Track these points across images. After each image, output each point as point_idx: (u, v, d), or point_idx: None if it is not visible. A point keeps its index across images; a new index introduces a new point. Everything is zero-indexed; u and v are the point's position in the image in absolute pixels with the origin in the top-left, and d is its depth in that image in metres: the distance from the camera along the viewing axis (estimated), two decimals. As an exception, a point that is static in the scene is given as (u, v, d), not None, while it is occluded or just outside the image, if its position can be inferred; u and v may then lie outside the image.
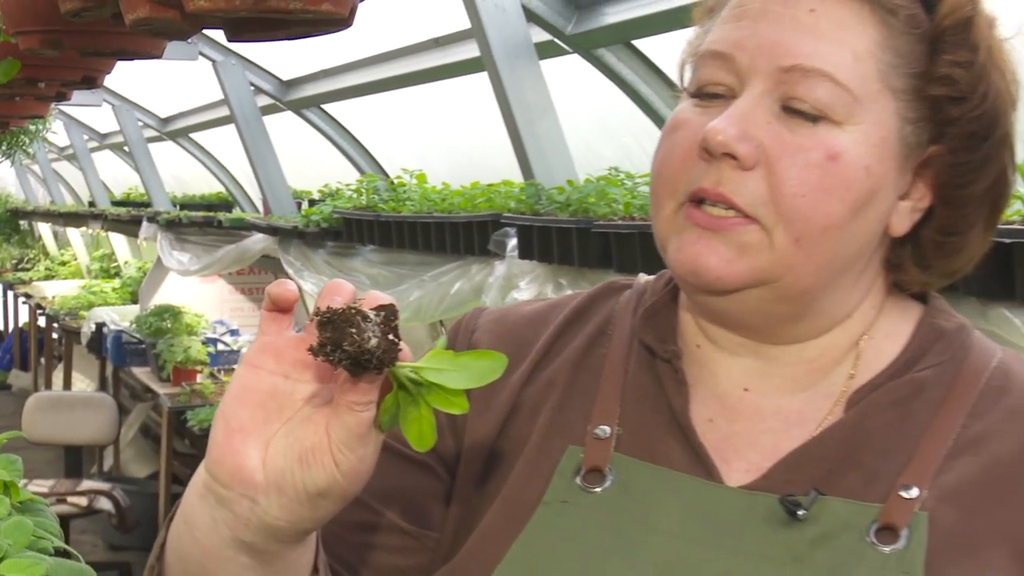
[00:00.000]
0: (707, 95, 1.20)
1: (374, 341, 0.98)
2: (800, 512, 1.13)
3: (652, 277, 1.38)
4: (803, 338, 1.24)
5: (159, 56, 2.78)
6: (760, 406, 1.25)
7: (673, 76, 1.41)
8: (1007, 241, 2.43)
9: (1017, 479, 1.15)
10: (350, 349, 0.97)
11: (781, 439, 1.22)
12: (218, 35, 2.20)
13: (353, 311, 0.98)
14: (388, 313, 1.00)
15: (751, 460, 1.21)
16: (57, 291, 13.86)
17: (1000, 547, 1.12)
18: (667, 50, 4.13)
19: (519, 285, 4.04)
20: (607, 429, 1.25)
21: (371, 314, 0.99)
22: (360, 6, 1.95)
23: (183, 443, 8.39)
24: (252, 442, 1.05)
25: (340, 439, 1.02)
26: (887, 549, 1.11)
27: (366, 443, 1.04)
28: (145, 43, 2.56)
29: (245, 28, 1.88)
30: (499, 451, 1.30)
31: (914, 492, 1.13)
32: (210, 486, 1.07)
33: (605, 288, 1.41)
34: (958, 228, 1.23)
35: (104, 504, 8.03)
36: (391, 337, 0.99)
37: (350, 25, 1.86)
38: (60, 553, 1.16)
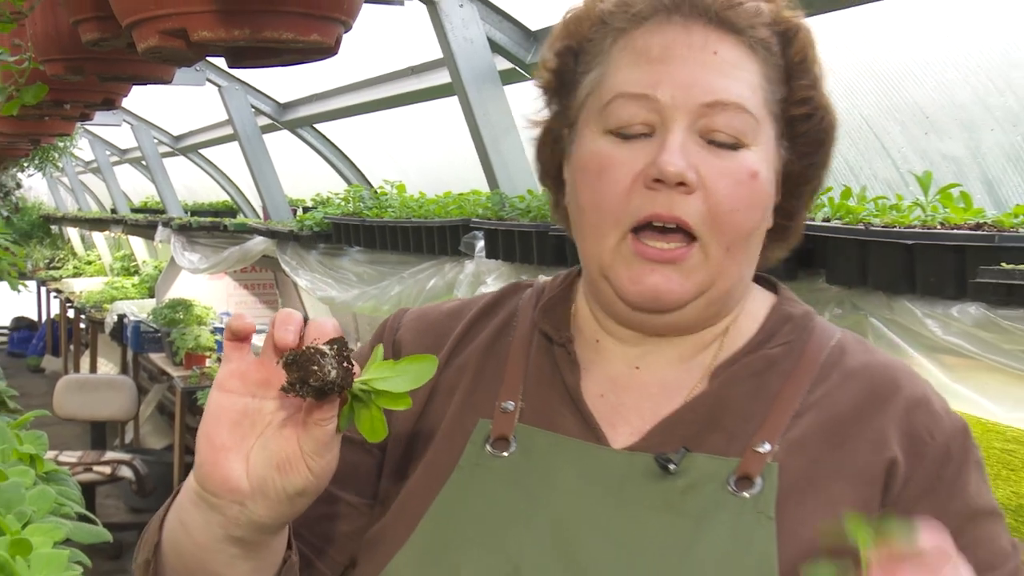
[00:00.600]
0: (627, 133, 1.22)
1: (333, 373, 1.05)
2: (671, 467, 1.20)
3: (549, 279, 1.43)
4: (703, 328, 1.31)
5: (169, 81, 2.76)
6: (646, 381, 1.30)
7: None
8: (909, 243, 2.44)
9: (849, 430, 1.24)
10: (315, 384, 1.04)
11: (660, 407, 1.27)
12: (222, 63, 2.19)
13: (312, 351, 1.05)
14: (340, 345, 1.06)
15: (634, 425, 1.27)
16: (84, 287, 13.77)
17: (842, 482, 1.21)
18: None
19: (486, 281, 4.06)
20: (512, 404, 1.30)
21: (326, 349, 1.05)
22: (345, 37, 1.95)
23: (194, 419, 8.35)
24: (234, 457, 1.11)
25: (311, 449, 1.10)
26: (745, 494, 1.19)
27: (332, 448, 1.12)
28: (156, 69, 2.55)
29: (244, 56, 1.87)
30: (421, 427, 1.34)
31: (766, 447, 1.21)
32: (202, 495, 1.13)
33: (510, 288, 1.46)
34: (795, 216, 1.34)
35: (125, 472, 8.01)
36: (346, 365, 1.06)
37: (335, 54, 1.86)
38: (82, 518, 1.15)
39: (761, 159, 1.23)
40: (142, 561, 1.25)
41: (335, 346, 1.06)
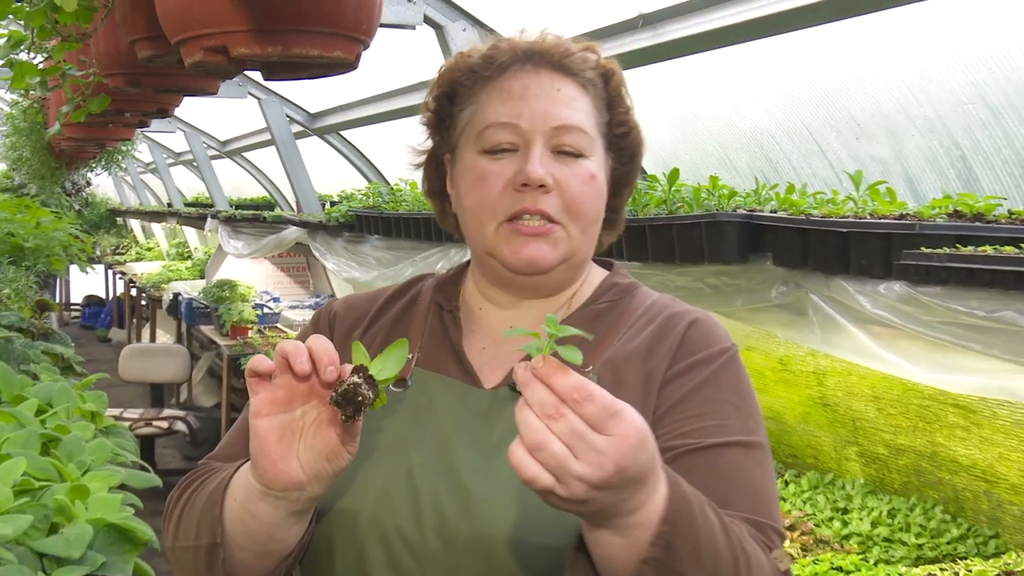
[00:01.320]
0: (498, 151, 1.40)
1: (371, 395, 1.19)
2: None
3: (446, 270, 1.62)
4: (560, 291, 1.50)
5: (215, 93, 2.74)
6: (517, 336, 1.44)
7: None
8: (843, 231, 2.43)
9: (644, 348, 1.43)
10: (362, 411, 1.20)
11: (521, 353, 1.36)
12: (260, 78, 2.18)
13: (351, 387, 1.18)
14: (364, 373, 1.20)
15: (504, 368, 1.45)
16: (144, 270, 13.73)
17: (639, 385, 1.40)
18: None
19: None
20: (411, 355, 1.46)
21: (357, 379, 1.19)
22: (366, 57, 1.93)
23: (239, 381, 8.35)
24: (290, 461, 1.23)
25: (347, 439, 1.24)
26: None
27: (358, 434, 1.26)
28: (203, 82, 2.53)
29: (276, 70, 1.86)
30: None
31: (589, 368, 1.39)
32: (268, 493, 1.26)
33: (417, 277, 1.64)
34: (619, 210, 1.55)
35: (180, 426, 8.01)
36: (373, 384, 1.20)
37: (355, 68, 1.84)
38: (136, 466, 1.13)
39: (597, 166, 1.43)
40: (207, 544, 1.32)
41: (360, 374, 1.20)
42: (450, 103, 1.48)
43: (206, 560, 1.32)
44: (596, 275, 1.55)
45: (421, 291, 1.59)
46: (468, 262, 1.58)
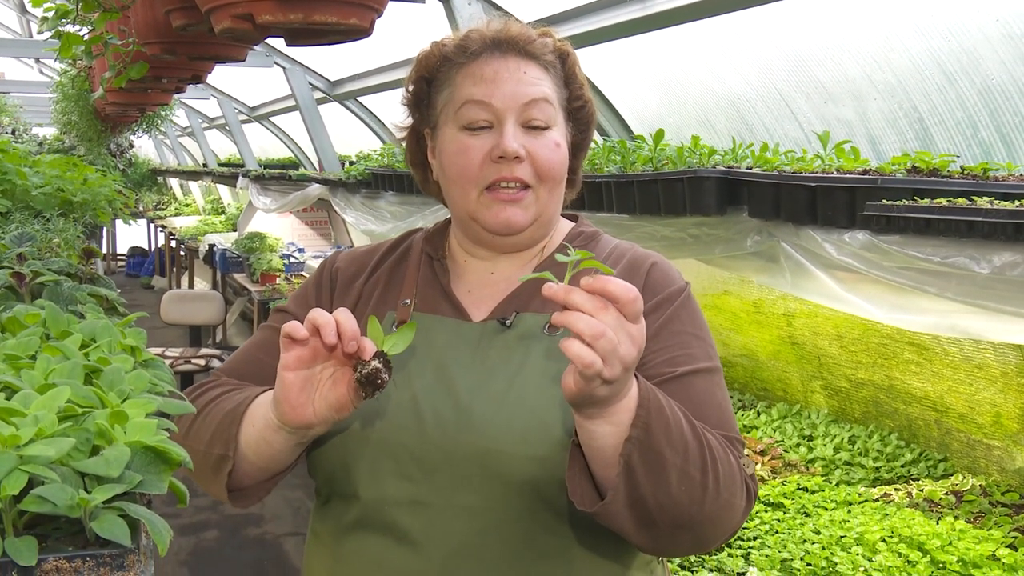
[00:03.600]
0: (476, 128, 1.45)
1: (388, 376, 1.28)
2: (507, 322, 1.46)
3: (431, 226, 1.67)
4: (532, 246, 1.55)
5: (243, 60, 2.70)
6: (497, 280, 1.55)
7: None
8: (812, 185, 2.41)
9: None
10: (381, 389, 1.28)
11: (504, 292, 1.52)
12: (285, 47, 2.14)
13: (373, 370, 1.27)
14: (384, 358, 1.28)
15: (488, 306, 1.51)
16: (183, 223, 13.70)
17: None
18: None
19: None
20: (408, 300, 1.53)
21: (376, 363, 1.27)
22: (379, 28, 1.90)
23: (268, 323, 8.39)
24: (306, 408, 1.32)
25: (354, 396, 1.31)
26: (554, 334, 1.42)
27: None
28: (232, 50, 2.49)
29: (298, 36, 1.83)
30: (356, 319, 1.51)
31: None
32: (284, 428, 1.35)
33: (409, 232, 1.68)
34: (576, 171, 1.59)
35: (216, 364, 7.99)
36: (389, 366, 1.29)
37: (370, 35, 1.81)
38: (172, 395, 1.12)
39: (560, 135, 1.49)
40: (218, 454, 1.41)
41: (380, 358, 1.28)
42: (428, 86, 1.54)
43: (214, 465, 1.42)
44: (564, 226, 1.62)
45: (412, 243, 1.65)
46: (449, 219, 1.64)
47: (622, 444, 1.23)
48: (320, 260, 9.29)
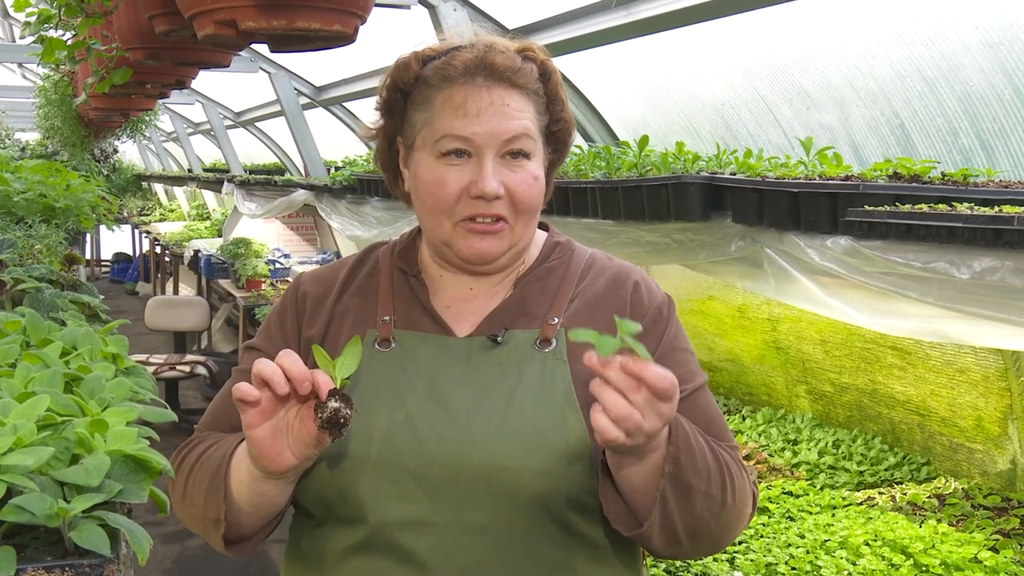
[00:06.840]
0: (452, 157, 1.42)
1: (349, 413, 1.26)
2: (498, 339, 1.45)
3: (396, 238, 1.64)
4: (505, 269, 1.53)
5: (227, 66, 2.69)
6: (478, 294, 1.53)
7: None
8: (795, 191, 2.42)
9: (603, 304, 1.51)
10: (347, 426, 1.26)
11: (486, 308, 1.51)
12: (270, 54, 2.13)
13: (333, 411, 1.25)
14: (340, 393, 1.26)
15: (471, 322, 1.50)
16: (167, 229, 13.65)
17: (608, 328, 1.34)
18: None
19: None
20: (388, 317, 1.51)
21: (335, 403, 1.25)
22: (364, 33, 1.89)
23: (254, 329, 8.34)
24: (283, 453, 1.32)
25: (321, 434, 1.30)
26: (546, 350, 1.44)
27: None
28: (216, 56, 2.48)
29: (281, 42, 1.82)
30: (330, 341, 1.52)
31: (555, 320, 1.47)
32: (270, 476, 1.35)
33: (371, 247, 1.65)
34: (549, 183, 1.56)
35: (201, 370, 7.99)
36: (348, 400, 1.26)
37: (353, 41, 1.80)
38: (153, 403, 1.11)
39: (538, 165, 1.47)
40: (213, 518, 1.41)
41: (335, 396, 1.26)
42: (403, 97, 1.50)
43: (212, 528, 1.43)
44: (539, 237, 1.62)
45: (379, 260, 1.62)
46: (419, 229, 1.61)
47: (654, 480, 1.30)
48: (305, 266, 9.23)
